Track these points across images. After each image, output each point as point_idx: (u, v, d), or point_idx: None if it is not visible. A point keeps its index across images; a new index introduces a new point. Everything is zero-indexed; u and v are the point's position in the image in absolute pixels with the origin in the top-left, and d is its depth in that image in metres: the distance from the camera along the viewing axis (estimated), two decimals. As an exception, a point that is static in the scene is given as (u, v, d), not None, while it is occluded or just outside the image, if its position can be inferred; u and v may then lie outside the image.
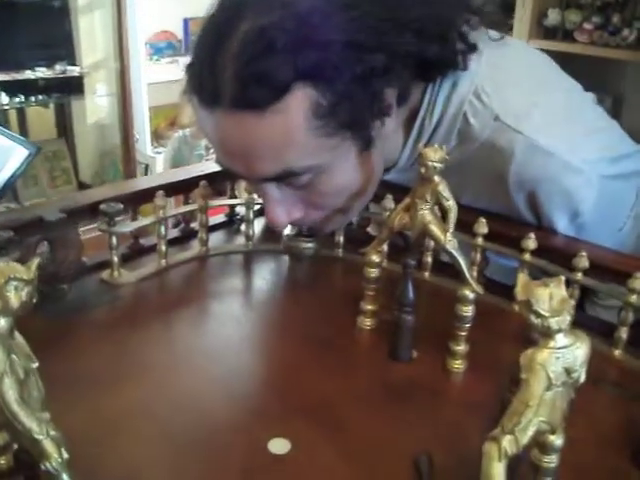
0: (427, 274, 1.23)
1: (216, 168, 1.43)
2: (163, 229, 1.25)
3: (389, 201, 1.26)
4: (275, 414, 0.88)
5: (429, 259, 1.26)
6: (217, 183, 1.49)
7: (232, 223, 1.52)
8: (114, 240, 1.18)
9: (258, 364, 1.00)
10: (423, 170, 0.87)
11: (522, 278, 0.54)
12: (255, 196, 1.33)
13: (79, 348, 1.00)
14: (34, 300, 0.54)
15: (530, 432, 0.56)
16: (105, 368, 0.95)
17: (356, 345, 1.05)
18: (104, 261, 1.22)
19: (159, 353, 1.00)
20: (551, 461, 0.59)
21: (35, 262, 0.54)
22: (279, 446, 0.80)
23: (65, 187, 3.78)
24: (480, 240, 1.11)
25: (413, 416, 0.89)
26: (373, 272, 1.03)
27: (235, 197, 1.48)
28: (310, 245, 1.08)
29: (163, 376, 0.94)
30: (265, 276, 1.31)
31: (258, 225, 1.42)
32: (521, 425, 0.56)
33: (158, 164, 3.96)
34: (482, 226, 1.10)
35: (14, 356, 0.53)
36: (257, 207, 1.36)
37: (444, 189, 0.89)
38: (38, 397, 0.58)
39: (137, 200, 1.28)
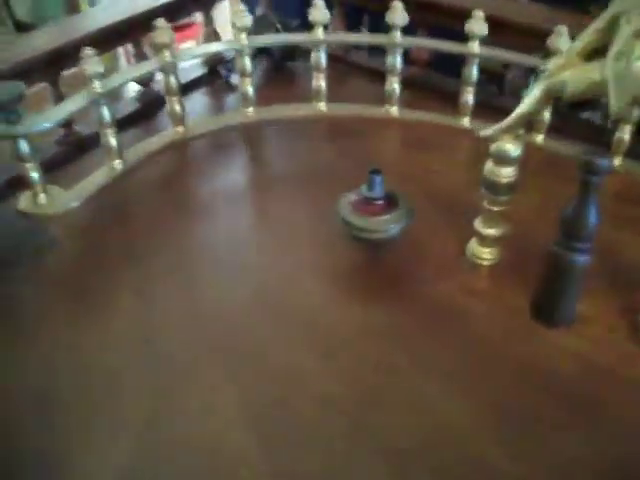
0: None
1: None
2: (107, 112, 0.74)
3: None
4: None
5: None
6: (181, 15, 0.95)
7: (216, 75, 1.00)
8: (24, 147, 0.68)
9: (286, 339, 0.56)
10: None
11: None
12: (244, 39, 0.80)
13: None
14: None
15: None
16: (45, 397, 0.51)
17: (470, 297, 0.60)
18: (19, 177, 0.72)
19: (128, 348, 0.56)
20: None
21: None
22: None
23: (-1, 29, 3.06)
24: None
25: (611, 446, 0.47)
26: (505, 175, 0.55)
27: (216, 34, 0.95)
28: (392, 225, 0.60)
29: (140, 404, 0.50)
30: (279, 165, 0.82)
31: (257, 77, 0.90)
32: None
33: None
34: None
35: None
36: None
37: None
38: None
39: (53, 64, 0.75)
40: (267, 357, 0.55)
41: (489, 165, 0.56)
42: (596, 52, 0.46)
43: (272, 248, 0.66)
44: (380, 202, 0.60)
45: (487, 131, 0.55)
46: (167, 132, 0.85)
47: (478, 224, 0.60)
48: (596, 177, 0.48)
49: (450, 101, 0.86)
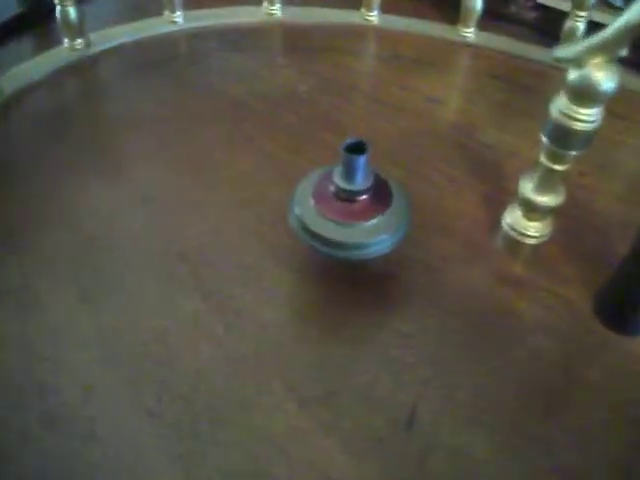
0: None
1: None
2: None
3: None
4: None
5: None
6: None
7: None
8: None
9: (244, 394, 0.36)
10: None
11: None
12: None
13: None
14: None
15: None
16: None
17: (512, 292, 0.42)
18: None
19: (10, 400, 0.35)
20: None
21: None
22: None
23: None
24: None
25: None
26: (586, 120, 0.35)
27: None
28: (383, 235, 0.38)
29: None
30: (220, 97, 0.60)
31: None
32: None
33: None
34: None
35: None
36: None
37: None
38: None
39: None
40: (220, 424, 0.35)
41: (561, 102, 0.36)
42: None
43: (211, 235, 0.45)
44: (364, 197, 0.38)
45: (565, 51, 0.34)
46: (60, 49, 0.61)
47: (527, 188, 0.41)
48: None
49: (447, 5, 0.64)
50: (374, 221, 0.37)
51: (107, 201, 0.46)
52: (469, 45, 0.63)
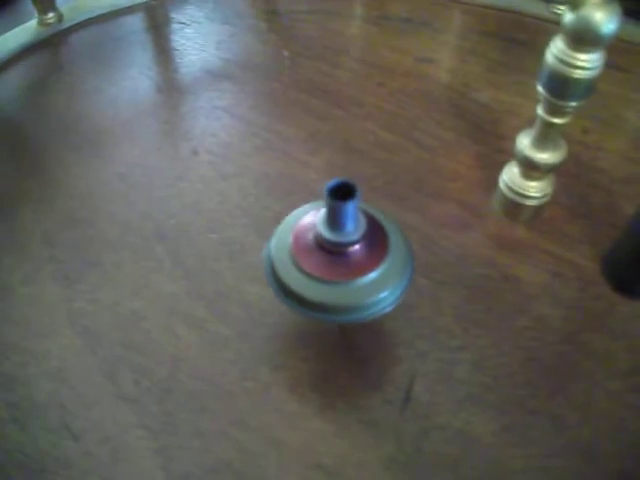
0: None
1: None
2: None
3: None
4: None
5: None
6: None
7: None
8: None
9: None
10: None
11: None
12: None
13: None
14: None
15: None
16: None
17: (513, 257, 0.39)
18: None
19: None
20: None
21: None
22: None
23: None
24: None
25: None
26: (586, 66, 0.32)
27: None
28: (383, 293, 0.29)
29: None
30: (205, 69, 0.57)
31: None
32: None
33: None
34: None
35: None
36: None
37: None
38: None
39: None
40: (202, 412, 0.33)
41: (558, 47, 0.33)
42: None
43: (190, 210, 0.43)
44: (355, 247, 0.29)
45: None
46: (31, 24, 0.58)
47: (525, 145, 0.38)
48: None
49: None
50: (372, 275, 0.29)
51: (83, 178, 0.44)
52: (459, 2, 0.60)
